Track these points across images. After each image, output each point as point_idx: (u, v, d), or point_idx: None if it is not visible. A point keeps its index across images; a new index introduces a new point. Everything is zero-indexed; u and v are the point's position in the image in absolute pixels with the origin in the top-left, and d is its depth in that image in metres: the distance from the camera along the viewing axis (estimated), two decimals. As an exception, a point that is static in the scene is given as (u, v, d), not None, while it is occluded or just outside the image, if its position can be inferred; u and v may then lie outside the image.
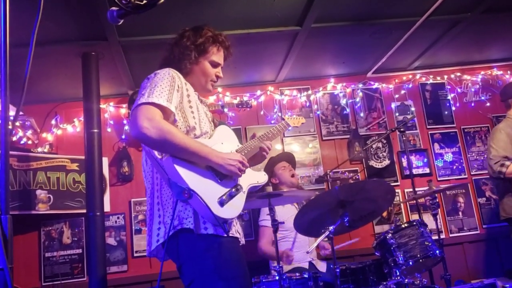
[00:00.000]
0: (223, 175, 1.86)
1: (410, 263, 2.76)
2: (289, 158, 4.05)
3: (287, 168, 3.93)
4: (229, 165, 1.83)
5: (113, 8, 1.34)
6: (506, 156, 3.52)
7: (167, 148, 1.74)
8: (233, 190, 1.86)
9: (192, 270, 1.74)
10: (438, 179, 4.76)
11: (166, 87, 1.80)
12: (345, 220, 2.71)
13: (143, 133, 1.69)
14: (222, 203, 1.78)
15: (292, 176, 3.90)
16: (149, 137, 1.69)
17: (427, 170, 4.77)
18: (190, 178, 1.74)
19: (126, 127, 4.48)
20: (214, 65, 2.10)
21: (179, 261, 1.77)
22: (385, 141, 4.79)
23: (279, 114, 4.71)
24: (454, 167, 4.85)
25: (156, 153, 1.82)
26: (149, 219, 1.88)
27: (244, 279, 1.80)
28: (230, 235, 1.83)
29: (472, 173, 4.83)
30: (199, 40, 2.05)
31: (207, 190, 1.76)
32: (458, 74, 5.09)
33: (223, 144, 1.97)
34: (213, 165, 1.82)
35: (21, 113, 4.19)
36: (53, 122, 4.43)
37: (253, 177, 2.05)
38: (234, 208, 1.83)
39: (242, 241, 1.94)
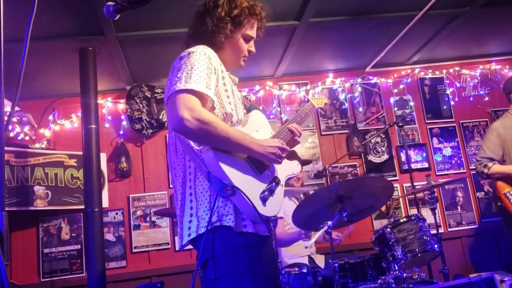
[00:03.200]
0: (263, 167, 1.76)
1: (409, 257, 2.76)
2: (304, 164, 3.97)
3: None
4: (270, 153, 1.72)
5: (110, 3, 1.33)
6: (491, 158, 3.63)
7: (209, 140, 1.64)
8: (273, 184, 1.77)
9: (225, 265, 1.66)
10: (437, 173, 4.77)
11: (204, 70, 1.66)
12: (344, 215, 2.71)
13: (184, 125, 1.57)
14: (264, 199, 1.70)
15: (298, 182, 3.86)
16: (191, 130, 1.58)
17: (426, 165, 4.77)
18: (234, 174, 1.65)
19: (124, 123, 4.47)
20: (248, 39, 1.93)
21: (212, 253, 1.67)
22: (383, 136, 4.79)
23: (278, 109, 4.71)
24: (453, 161, 4.86)
25: (192, 143, 1.71)
26: (180, 210, 1.77)
27: (275, 279, 1.75)
28: (267, 234, 1.76)
29: (470, 168, 4.83)
30: (234, 12, 1.85)
31: (250, 186, 1.67)
32: (457, 68, 5.08)
33: (258, 132, 1.86)
34: (254, 154, 1.72)
35: (18, 108, 4.17)
36: (50, 117, 4.42)
37: (288, 168, 1.94)
38: (276, 204, 1.75)
39: (272, 236, 1.87)
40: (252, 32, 1.94)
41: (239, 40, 1.90)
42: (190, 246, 1.77)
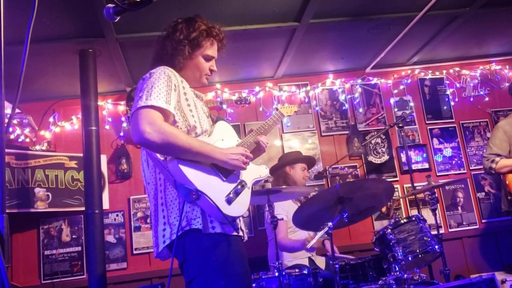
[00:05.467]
0: (228, 172, 1.86)
1: (409, 258, 2.76)
2: (310, 163, 4.03)
3: (306, 171, 3.92)
4: (233, 160, 1.83)
5: (109, 5, 1.33)
6: (498, 154, 3.66)
7: (171, 151, 1.74)
8: (239, 187, 1.87)
9: (196, 266, 1.75)
10: (437, 174, 4.76)
11: (163, 88, 1.78)
12: (344, 216, 2.71)
13: (146, 138, 1.67)
14: (229, 201, 1.79)
15: (304, 178, 3.90)
16: (153, 142, 1.68)
17: (426, 165, 4.76)
18: (197, 179, 1.74)
19: (124, 124, 4.47)
20: (208, 59, 2.06)
21: (184, 256, 1.78)
22: (384, 137, 4.79)
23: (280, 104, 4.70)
24: (453, 162, 4.85)
25: (158, 155, 1.82)
26: (154, 220, 1.88)
27: (246, 277, 1.82)
28: (235, 233, 1.84)
29: (471, 168, 4.83)
30: (192, 34, 1.99)
31: (214, 189, 1.77)
32: (457, 69, 5.08)
33: (224, 140, 1.97)
34: (217, 162, 1.82)
35: (19, 111, 4.18)
36: (51, 119, 4.42)
37: (255, 171, 2.05)
38: (241, 206, 1.85)
39: (245, 237, 1.95)
40: (212, 52, 2.07)
41: (199, 60, 2.03)
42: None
